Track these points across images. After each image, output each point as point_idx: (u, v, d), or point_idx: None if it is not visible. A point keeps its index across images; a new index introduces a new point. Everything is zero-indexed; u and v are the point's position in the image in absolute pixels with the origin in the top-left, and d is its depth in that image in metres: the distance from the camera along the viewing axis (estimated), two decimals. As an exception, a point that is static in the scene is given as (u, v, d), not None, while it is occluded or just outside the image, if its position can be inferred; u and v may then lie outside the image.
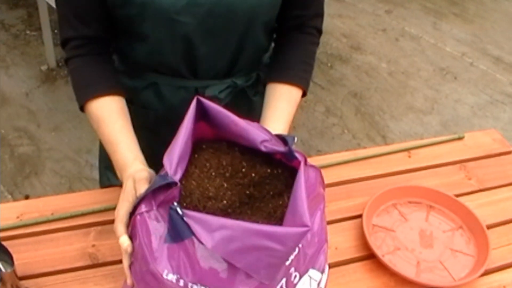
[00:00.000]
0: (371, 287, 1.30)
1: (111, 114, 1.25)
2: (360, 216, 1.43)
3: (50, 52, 3.85)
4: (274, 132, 1.17)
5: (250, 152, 0.99)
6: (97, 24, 1.28)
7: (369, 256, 1.36)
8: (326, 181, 1.51)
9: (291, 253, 0.87)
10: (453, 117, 3.88)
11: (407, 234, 1.43)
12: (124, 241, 0.96)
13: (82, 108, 1.30)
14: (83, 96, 1.28)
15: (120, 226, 0.99)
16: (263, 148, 0.93)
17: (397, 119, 3.76)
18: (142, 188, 1.01)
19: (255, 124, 0.98)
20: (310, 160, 1.56)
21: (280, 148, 0.94)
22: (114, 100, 1.27)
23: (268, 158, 0.99)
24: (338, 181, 1.56)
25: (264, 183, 0.98)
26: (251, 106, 1.51)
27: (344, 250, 1.37)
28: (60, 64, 3.94)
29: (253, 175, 0.97)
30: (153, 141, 1.37)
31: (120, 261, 1.23)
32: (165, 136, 1.26)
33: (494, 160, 1.74)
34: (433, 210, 1.51)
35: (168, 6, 1.18)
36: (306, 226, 0.80)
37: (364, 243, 1.38)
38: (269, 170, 0.98)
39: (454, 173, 1.66)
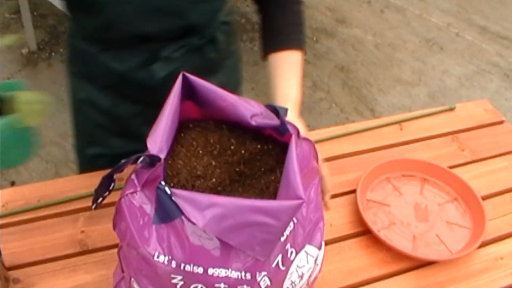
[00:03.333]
0: (368, 263, 1.28)
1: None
2: (354, 191, 1.40)
3: (31, 35, 3.78)
4: (288, 98, 1.22)
5: (239, 129, 0.95)
6: None
7: (364, 232, 1.34)
8: (320, 156, 1.49)
9: (286, 228, 0.84)
10: (440, 88, 3.86)
11: (402, 208, 1.41)
12: None
13: None
14: None
15: None
16: (253, 123, 0.89)
17: (384, 92, 3.74)
18: None
19: (244, 98, 0.94)
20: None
21: (272, 121, 0.91)
22: None
23: (258, 134, 0.96)
24: (330, 157, 1.52)
25: (255, 159, 0.94)
26: (208, 65, 1.45)
27: (339, 226, 1.35)
28: (41, 46, 3.87)
29: (242, 152, 0.94)
30: (120, 99, 1.42)
31: (111, 247, 1.21)
32: (128, 94, 1.40)
33: (487, 131, 1.72)
34: (427, 183, 1.48)
35: None
36: (300, 198, 0.77)
37: (359, 219, 1.35)
38: (259, 146, 0.95)
39: (446, 145, 1.63)
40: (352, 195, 1.41)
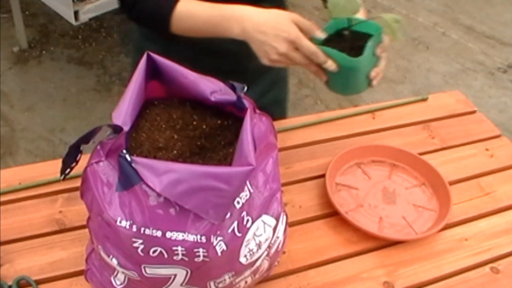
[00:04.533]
0: (334, 243, 1.33)
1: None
2: (323, 175, 1.45)
3: (21, 34, 3.83)
4: None
5: (202, 106, 1.01)
6: None
7: (332, 213, 1.38)
8: (291, 143, 1.55)
9: (238, 193, 0.89)
10: (425, 86, 3.91)
11: (370, 191, 1.46)
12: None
13: (168, 26, 1.33)
14: (168, 4, 1.31)
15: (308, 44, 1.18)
16: (212, 99, 0.95)
17: (369, 89, 3.77)
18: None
19: (205, 76, 1.00)
20: (276, 124, 1.59)
21: (230, 96, 0.96)
22: None
23: (219, 110, 1.01)
24: (302, 143, 1.58)
25: (215, 134, 1.00)
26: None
27: (308, 208, 1.40)
28: (32, 45, 3.92)
29: (204, 127, 0.99)
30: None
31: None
32: (208, 66, 1.33)
33: (457, 120, 1.77)
34: (396, 168, 1.53)
35: None
36: (250, 165, 0.82)
37: (327, 201, 1.39)
38: (219, 122, 1.01)
39: (417, 133, 1.68)
40: (321, 179, 1.46)
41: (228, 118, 1.01)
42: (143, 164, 0.84)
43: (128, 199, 0.86)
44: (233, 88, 0.97)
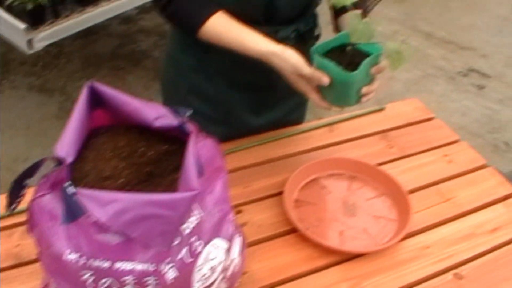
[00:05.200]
0: (296, 260, 1.32)
1: (232, 19, 1.40)
2: (282, 193, 1.44)
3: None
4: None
5: (148, 132, 1.00)
6: None
7: (292, 230, 1.38)
8: (249, 162, 1.54)
9: (185, 218, 0.89)
10: (387, 94, 3.91)
11: (330, 205, 1.45)
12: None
13: (197, 30, 1.41)
14: (202, 15, 1.39)
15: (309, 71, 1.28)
16: (156, 124, 0.94)
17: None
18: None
19: (149, 103, 0.99)
20: (234, 143, 1.58)
21: (173, 121, 0.96)
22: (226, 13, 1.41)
23: (166, 136, 1.00)
24: (260, 161, 1.57)
25: (163, 159, 0.99)
26: (307, 50, 1.59)
27: (267, 226, 1.39)
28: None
29: (151, 153, 0.99)
30: (228, 87, 1.60)
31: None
32: (240, 80, 1.58)
33: (415, 128, 1.78)
34: (355, 180, 1.53)
35: None
36: (194, 190, 0.82)
37: (287, 218, 1.39)
38: (166, 147, 1.00)
39: (376, 143, 1.69)
40: (280, 197, 1.45)
41: (175, 143, 1.00)
42: (86, 196, 0.83)
43: (74, 231, 0.85)
44: (177, 113, 0.97)
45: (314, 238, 1.32)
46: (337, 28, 1.57)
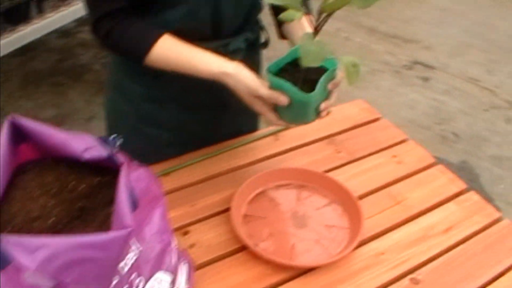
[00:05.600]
0: (248, 278, 1.27)
1: (179, 41, 1.34)
2: (229, 209, 1.39)
3: None
4: None
5: (79, 164, 0.94)
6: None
7: (243, 247, 1.33)
8: (193, 179, 1.49)
9: (120, 257, 0.83)
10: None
11: (280, 218, 1.41)
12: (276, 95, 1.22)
13: (144, 58, 1.34)
14: (147, 42, 1.33)
15: (266, 91, 1.23)
16: (86, 156, 0.88)
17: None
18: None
19: (77, 133, 0.93)
20: (175, 160, 1.53)
21: (103, 153, 0.90)
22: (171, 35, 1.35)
23: (98, 167, 0.95)
24: (206, 177, 1.52)
25: (95, 193, 0.93)
26: (259, 58, 1.64)
27: (216, 246, 1.33)
28: None
29: (82, 187, 0.93)
30: (180, 111, 1.55)
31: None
32: (192, 102, 1.53)
33: (362, 130, 1.75)
34: (304, 189, 1.49)
35: None
36: (127, 227, 0.76)
37: (236, 235, 1.34)
38: (99, 179, 0.94)
39: (323, 149, 1.66)
40: (228, 213, 1.40)
41: (108, 174, 0.95)
42: (13, 242, 0.76)
43: (3, 281, 0.78)
44: (106, 143, 0.91)
45: (264, 255, 1.28)
46: (282, 36, 1.53)
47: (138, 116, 1.57)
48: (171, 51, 1.33)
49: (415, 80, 4.13)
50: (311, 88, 1.21)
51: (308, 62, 1.14)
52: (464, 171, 3.37)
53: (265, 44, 1.61)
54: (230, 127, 1.66)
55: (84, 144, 0.90)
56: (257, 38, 1.58)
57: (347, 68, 1.18)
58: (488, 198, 3.21)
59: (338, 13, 1.15)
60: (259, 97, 1.26)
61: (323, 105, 1.29)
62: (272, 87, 1.24)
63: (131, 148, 1.60)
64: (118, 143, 0.91)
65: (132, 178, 0.89)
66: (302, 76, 1.24)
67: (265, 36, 1.61)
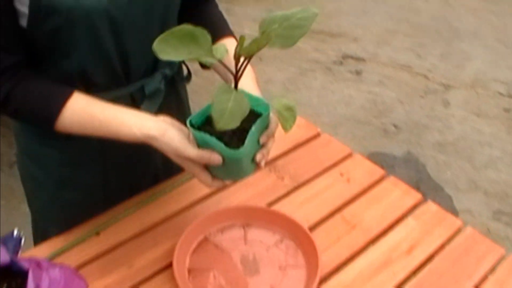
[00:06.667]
0: None
1: (92, 100, 1.20)
2: (172, 264, 1.24)
3: None
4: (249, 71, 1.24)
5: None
6: (21, 50, 1.19)
7: (193, 307, 1.19)
8: (128, 234, 1.34)
9: None
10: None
11: (229, 267, 1.27)
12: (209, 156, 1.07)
13: (53, 123, 1.19)
14: (55, 106, 1.18)
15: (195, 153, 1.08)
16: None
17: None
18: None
19: None
20: (105, 215, 1.37)
21: (6, 258, 0.74)
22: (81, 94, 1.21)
23: (11, 271, 0.79)
24: (140, 231, 1.36)
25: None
26: (184, 95, 1.52)
27: (163, 311, 1.19)
28: None
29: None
30: (102, 171, 1.40)
31: None
32: (114, 160, 1.39)
33: (304, 150, 1.64)
34: (250, 228, 1.36)
35: (95, 3, 1.13)
36: None
37: (182, 295, 1.20)
38: (6, 285, 0.79)
39: (264, 178, 1.52)
40: (170, 269, 1.25)
41: (20, 277, 0.79)
42: None
43: None
44: (7, 245, 0.76)
45: (217, 315, 1.14)
46: (203, 66, 1.38)
47: (57, 183, 1.39)
48: (85, 112, 1.19)
49: (347, 75, 4.04)
50: (242, 140, 1.05)
51: (223, 125, 0.97)
52: (410, 162, 3.31)
53: (188, 78, 1.48)
54: (159, 176, 1.52)
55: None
56: (178, 72, 1.44)
57: (280, 114, 1.04)
58: (437, 187, 3.15)
59: (258, 15, 1.01)
60: (188, 158, 1.12)
61: (259, 156, 1.13)
62: (199, 144, 1.09)
63: (52, 219, 1.46)
64: (22, 241, 0.76)
65: (51, 277, 0.74)
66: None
67: (186, 67, 1.47)
